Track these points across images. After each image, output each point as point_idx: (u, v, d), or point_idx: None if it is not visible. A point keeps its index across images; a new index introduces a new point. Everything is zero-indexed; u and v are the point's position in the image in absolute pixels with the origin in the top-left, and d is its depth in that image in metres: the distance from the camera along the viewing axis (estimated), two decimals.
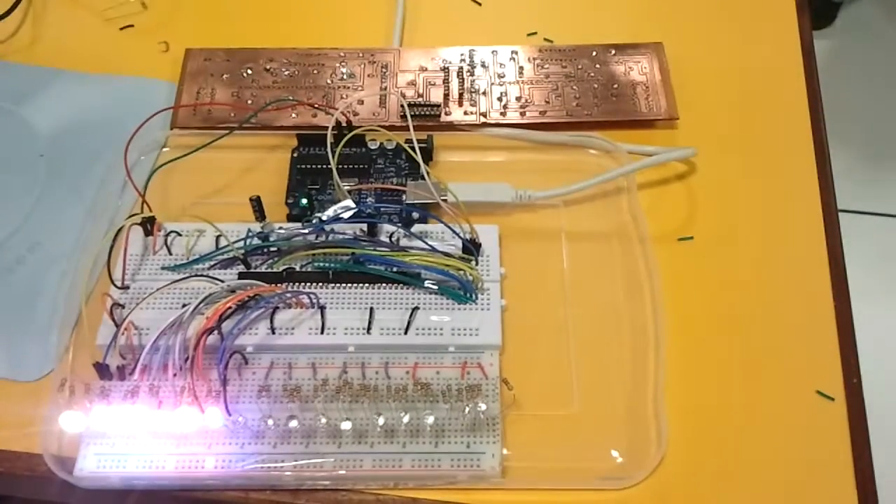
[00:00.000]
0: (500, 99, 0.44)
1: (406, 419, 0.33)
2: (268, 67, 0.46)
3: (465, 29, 0.49)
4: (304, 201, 0.39)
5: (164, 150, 0.43)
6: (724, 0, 0.50)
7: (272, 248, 0.37)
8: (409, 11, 0.50)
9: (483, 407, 0.32)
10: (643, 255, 0.39)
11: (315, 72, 0.46)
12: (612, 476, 0.33)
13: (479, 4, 0.50)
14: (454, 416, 0.33)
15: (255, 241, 0.37)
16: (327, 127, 0.40)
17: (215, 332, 0.34)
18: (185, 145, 0.41)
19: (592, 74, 0.45)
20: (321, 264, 0.37)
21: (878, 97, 1.21)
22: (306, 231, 0.37)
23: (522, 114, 0.44)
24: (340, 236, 0.37)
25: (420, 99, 0.44)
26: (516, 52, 0.46)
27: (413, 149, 0.39)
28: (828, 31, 1.29)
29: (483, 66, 0.46)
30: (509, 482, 0.33)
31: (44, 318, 0.37)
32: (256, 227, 0.38)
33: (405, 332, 0.35)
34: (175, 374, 0.33)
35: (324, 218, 0.38)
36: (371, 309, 0.36)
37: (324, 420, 0.32)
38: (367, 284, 0.37)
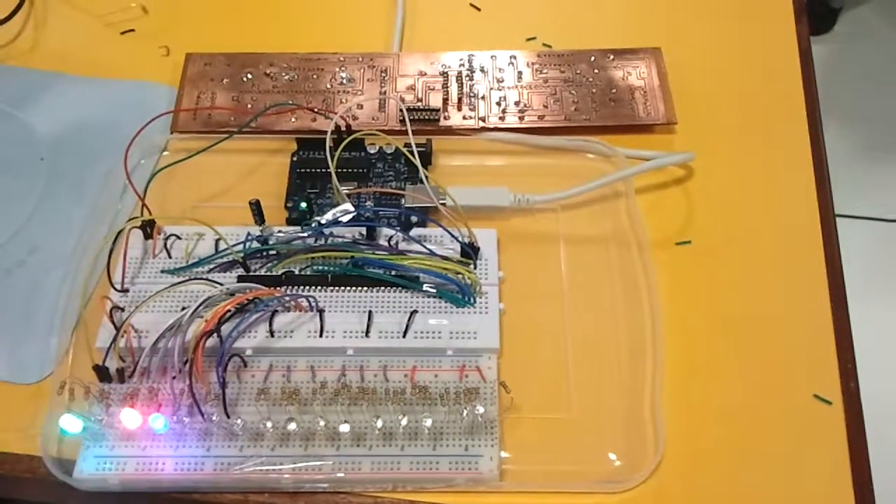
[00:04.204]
0: (498, 103, 0.45)
1: (404, 422, 0.33)
2: (268, 72, 0.46)
3: (465, 34, 0.49)
4: (304, 205, 0.39)
5: (164, 153, 0.43)
6: (721, 5, 0.50)
7: (271, 252, 0.38)
8: (409, 16, 0.50)
9: (481, 410, 0.32)
10: (641, 259, 0.39)
11: (315, 76, 0.46)
12: (610, 479, 0.33)
13: (479, 10, 0.51)
14: (452, 419, 0.33)
15: (255, 244, 0.38)
16: (327, 131, 0.40)
17: (214, 335, 0.34)
18: (185, 149, 0.41)
19: (591, 79, 0.46)
20: (320, 268, 0.37)
21: (877, 101, 1.21)
22: (305, 235, 0.37)
23: (521, 118, 0.44)
24: (339, 240, 0.38)
25: (419, 103, 0.45)
26: (515, 57, 0.47)
27: (412, 153, 0.39)
28: (828, 36, 1.30)
29: (482, 70, 0.46)
30: (507, 485, 0.33)
31: (44, 320, 0.38)
32: (256, 230, 0.38)
33: (404, 336, 0.35)
34: (174, 377, 0.33)
35: (323, 221, 0.38)
36: (370, 312, 0.36)
37: (322, 423, 0.33)
38: (365, 288, 0.37)
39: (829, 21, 1.30)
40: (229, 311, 0.35)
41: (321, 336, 0.35)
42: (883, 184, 1.13)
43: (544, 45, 0.48)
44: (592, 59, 0.46)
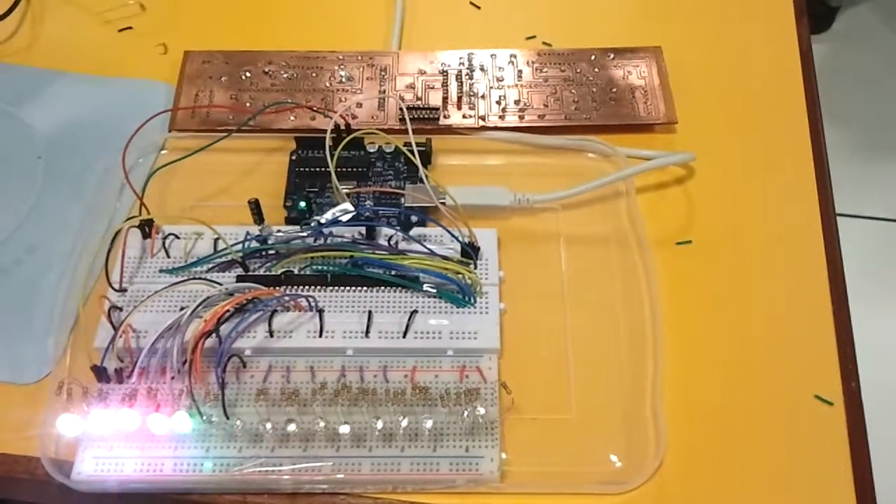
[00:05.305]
0: (498, 102, 0.44)
1: (404, 423, 0.32)
2: (266, 70, 0.46)
3: (464, 32, 0.49)
4: (303, 204, 0.39)
5: (163, 152, 0.43)
6: (722, 4, 0.50)
7: (270, 252, 0.37)
8: (408, 15, 0.50)
9: (482, 411, 0.32)
10: (641, 259, 0.39)
11: (314, 75, 0.46)
12: (611, 481, 0.33)
13: (478, 8, 0.50)
14: (453, 420, 0.33)
15: (254, 244, 0.37)
16: (326, 130, 0.40)
17: (213, 335, 0.34)
18: (183, 148, 0.41)
19: (591, 78, 0.45)
20: (319, 267, 0.37)
21: (875, 100, 1.21)
22: (305, 234, 0.37)
23: (521, 117, 0.44)
24: (339, 239, 0.37)
25: (419, 102, 0.44)
26: (515, 56, 0.46)
27: (412, 152, 0.39)
28: (825, 35, 1.30)
29: (482, 69, 0.46)
30: (508, 486, 0.33)
31: (41, 320, 0.37)
32: (255, 230, 0.38)
33: (404, 336, 0.35)
34: (173, 378, 0.33)
35: (322, 221, 0.38)
36: (369, 312, 0.36)
37: (322, 424, 0.32)
38: (365, 288, 0.37)
39: (827, 20, 1.30)
40: (228, 311, 0.35)
41: (321, 336, 0.35)
42: (883, 183, 1.13)
43: (544, 43, 0.48)
44: (593, 57, 0.46)
